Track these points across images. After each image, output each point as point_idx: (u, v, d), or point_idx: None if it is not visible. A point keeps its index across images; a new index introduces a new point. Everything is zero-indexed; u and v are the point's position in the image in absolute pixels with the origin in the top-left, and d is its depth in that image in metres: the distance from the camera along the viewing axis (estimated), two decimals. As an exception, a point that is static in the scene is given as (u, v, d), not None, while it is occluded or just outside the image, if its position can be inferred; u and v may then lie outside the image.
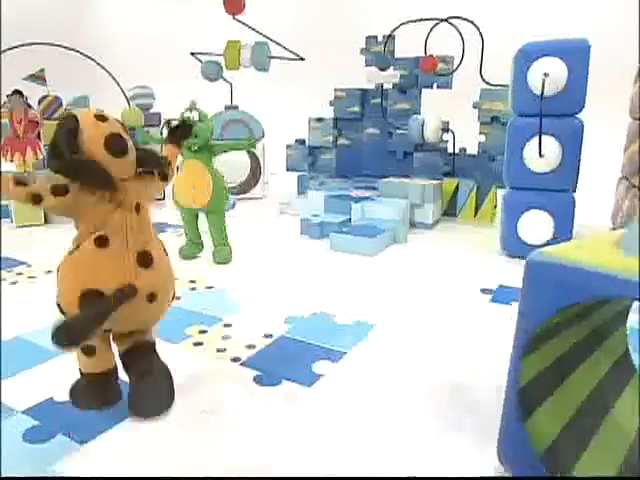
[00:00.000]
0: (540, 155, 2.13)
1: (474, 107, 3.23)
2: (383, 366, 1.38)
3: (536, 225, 2.27)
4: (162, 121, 3.66)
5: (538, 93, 2.11)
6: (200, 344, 1.48)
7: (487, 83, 2.96)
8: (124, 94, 3.36)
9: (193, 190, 2.18)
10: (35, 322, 1.60)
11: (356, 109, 3.65)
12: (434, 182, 2.97)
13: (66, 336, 0.89)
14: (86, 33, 4.35)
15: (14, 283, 1.96)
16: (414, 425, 1.13)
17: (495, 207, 3.14)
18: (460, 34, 2.96)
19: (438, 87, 3.35)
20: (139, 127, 3.41)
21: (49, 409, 1.17)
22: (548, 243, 2.26)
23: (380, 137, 3.64)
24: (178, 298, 1.81)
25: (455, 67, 3.01)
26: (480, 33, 2.86)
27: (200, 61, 3.55)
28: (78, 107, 3.19)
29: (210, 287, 1.93)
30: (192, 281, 1.98)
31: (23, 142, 2.70)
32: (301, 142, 3.88)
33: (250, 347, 1.47)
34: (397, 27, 3.11)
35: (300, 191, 3.65)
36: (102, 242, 0.97)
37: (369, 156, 3.71)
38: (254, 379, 1.30)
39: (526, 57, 2.15)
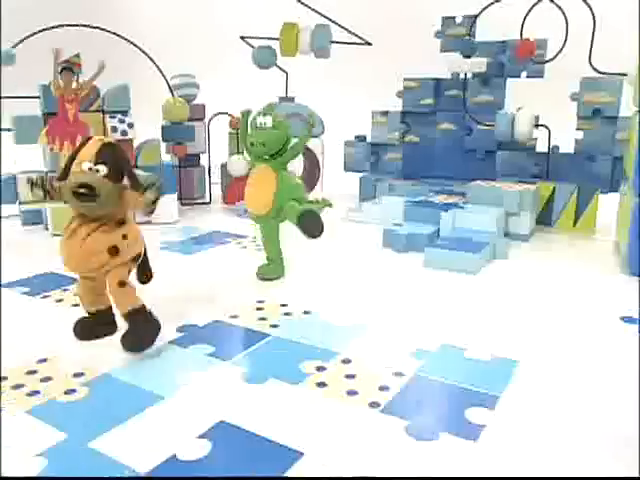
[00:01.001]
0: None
1: (572, 99, 3.11)
2: (550, 414, 1.27)
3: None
4: (206, 114, 3.58)
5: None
6: (324, 385, 1.38)
7: (598, 72, 2.84)
8: (168, 84, 3.28)
9: (254, 193, 2.10)
10: (120, 356, 1.52)
11: (429, 101, 3.54)
12: (530, 187, 2.85)
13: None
14: (115, 12, 4.29)
15: (76, 305, 1.87)
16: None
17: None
18: (564, 14, 2.85)
19: (528, 76, 3.24)
20: (183, 121, 3.35)
21: (177, 471, 1.07)
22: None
23: (456, 133, 3.53)
24: (275, 326, 1.72)
25: (558, 51, 2.89)
26: (592, 12, 2.74)
27: (251, 46, 3.46)
28: (117, 97, 3.12)
29: (307, 312, 1.83)
30: (283, 304, 1.89)
31: (73, 127, 2.55)
32: (362, 139, 3.78)
33: (383, 389, 1.37)
34: (488, 6, 3.00)
35: (364, 195, 3.55)
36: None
37: (442, 155, 3.60)
38: (406, 431, 1.20)
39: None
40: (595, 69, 2.82)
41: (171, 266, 2.29)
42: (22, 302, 1.90)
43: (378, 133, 3.69)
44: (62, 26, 3.04)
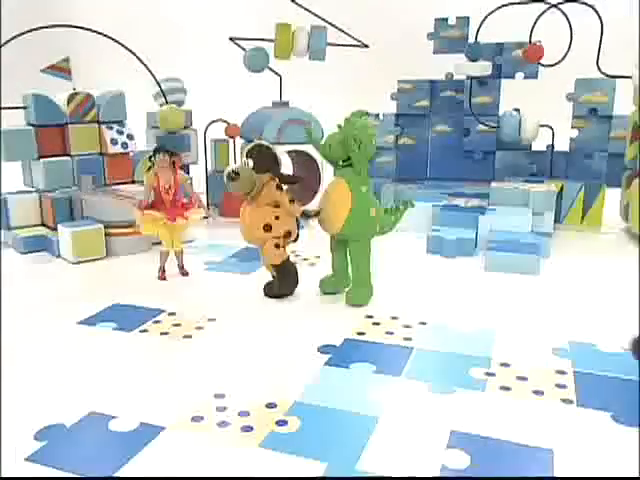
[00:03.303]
0: None
1: (568, 99, 3.52)
2: None
3: None
4: (192, 120, 3.60)
5: None
6: (507, 388, 1.58)
7: (606, 75, 3.25)
8: (162, 91, 3.27)
9: (326, 209, 2.21)
10: (294, 383, 1.62)
11: (425, 103, 3.82)
12: (551, 186, 3.21)
13: None
14: (90, 13, 4.12)
15: (187, 337, 1.91)
16: None
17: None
18: (568, 20, 3.24)
19: (525, 77, 3.61)
20: (179, 130, 3.36)
21: None
22: None
23: (452, 135, 3.84)
24: (408, 339, 1.88)
25: (565, 54, 3.27)
26: (600, 18, 3.15)
27: (242, 48, 3.54)
28: (113, 107, 3.07)
29: (423, 323, 2.01)
30: (394, 317, 2.05)
31: (177, 207, 2.44)
32: (353, 142, 3.96)
33: (561, 387, 1.59)
34: (496, 9, 3.31)
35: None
36: None
37: (438, 157, 3.90)
38: (615, 420, 1.43)
39: None
40: (601, 71, 3.23)
41: (243, 287, 2.37)
42: (123, 338, 1.91)
43: (372, 136, 3.90)
44: (46, 27, 2.95)
